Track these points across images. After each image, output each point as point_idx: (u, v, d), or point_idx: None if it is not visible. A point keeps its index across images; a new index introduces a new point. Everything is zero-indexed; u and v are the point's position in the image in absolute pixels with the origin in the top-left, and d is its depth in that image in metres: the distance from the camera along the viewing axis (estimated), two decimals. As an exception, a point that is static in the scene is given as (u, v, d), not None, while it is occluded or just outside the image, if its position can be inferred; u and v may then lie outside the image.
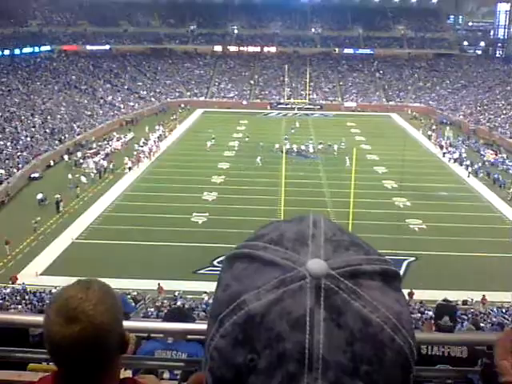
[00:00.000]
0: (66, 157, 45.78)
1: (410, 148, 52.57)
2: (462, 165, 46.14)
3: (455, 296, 23.87)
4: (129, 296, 24.15)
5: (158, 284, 25.11)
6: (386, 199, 37.64)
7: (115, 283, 25.03)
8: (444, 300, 17.33)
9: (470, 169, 44.16)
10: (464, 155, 48.35)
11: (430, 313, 19.84)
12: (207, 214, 34.44)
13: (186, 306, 22.26)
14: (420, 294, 24.21)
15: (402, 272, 27.29)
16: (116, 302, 1.38)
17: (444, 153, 50.26)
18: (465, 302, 23.28)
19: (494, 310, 21.89)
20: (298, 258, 0.72)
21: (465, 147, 51.99)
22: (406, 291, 24.40)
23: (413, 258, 28.61)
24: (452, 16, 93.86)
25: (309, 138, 53.64)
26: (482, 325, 19.07)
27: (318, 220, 0.78)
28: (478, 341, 2.53)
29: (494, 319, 20.33)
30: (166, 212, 34.35)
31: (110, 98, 68.09)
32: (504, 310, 21.79)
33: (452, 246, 29.80)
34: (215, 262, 28.01)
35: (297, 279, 0.69)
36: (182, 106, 71.67)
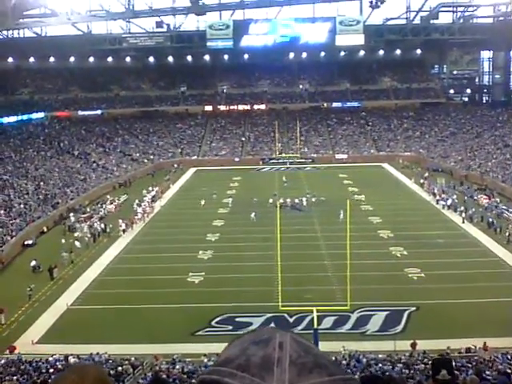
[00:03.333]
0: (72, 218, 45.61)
1: (404, 197, 52.96)
2: (456, 211, 46.21)
3: (458, 344, 23.51)
4: (126, 362, 23.63)
5: (154, 356, 24.43)
6: (383, 249, 37.45)
7: (112, 349, 24.66)
8: (439, 354, 17.05)
9: (464, 214, 44.18)
10: (457, 201, 48.49)
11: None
12: (203, 273, 34.08)
13: (186, 370, 21.73)
14: (423, 344, 23.73)
15: (403, 323, 26.93)
16: None
17: (437, 200, 50.41)
18: (468, 350, 22.81)
19: (499, 356, 21.39)
20: None
21: (458, 193, 52.22)
22: (408, 342, 24.01)
23: (413, 308, 28.21)
24: (436, 66, 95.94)
25: (302, 192, 53.74)
26: (487, 372, 18.64)
27: (283, 341, 0.79)
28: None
29: (500, 366, 19.84)
30: (161, 273, 34.03)
31: (102, 161, 68.52)
32: (509, 357, 21.30)
33: (452, 293, 29.45)
34: (213, 323, 27.58)
35: None
36: (175, 165, 72.21)
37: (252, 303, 29.09)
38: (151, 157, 75.51)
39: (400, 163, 69.92)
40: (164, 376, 21.44)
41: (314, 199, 51.05)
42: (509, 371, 18.31)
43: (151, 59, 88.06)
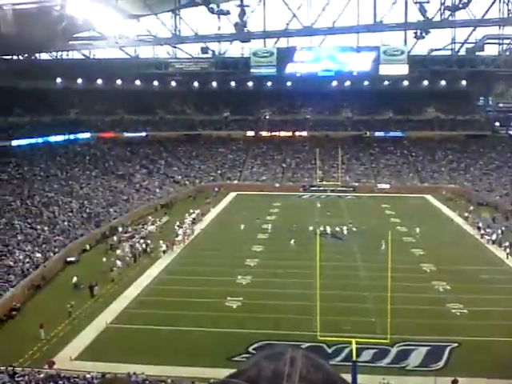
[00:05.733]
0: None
1: (447, 229, 51.88)
2: (500, 246, 45.06)
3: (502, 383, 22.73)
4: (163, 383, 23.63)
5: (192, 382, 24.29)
6: (425, 283, 36.66)
7: (149, 370, 24.71)
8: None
9: (508, 250, 43.04)
10: (502, 236, 47.28)
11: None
12: (241, 298, 33.98)
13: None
14: (464, 382, 23.02)
15: (444, 359, 26.19)
16: None
17: (482, 234, 49.27)
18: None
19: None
20: None
21: (503, 228, 50.90)
22: (449, 379, 23.32)
23: (455, 344, 27.44)
24: (482, 98, 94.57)
25: (343, 220, 53.27)
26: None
27: (295, 357, 0.81)
28: None
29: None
30: (199, 296, 34.05)
31: (145, 182, 69.55)
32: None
33: (495, 330, 28.56)
34: (250, 349, 27.35)
35: None
36: (216, 189, 72.73)
37: (290, 331, 28.79)
38: (193, 180, 76.28)
39: (444, 195, 68.75)
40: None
41: (354, 228, 50.55)
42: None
43: (196, 84, 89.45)
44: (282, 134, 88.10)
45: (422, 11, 58.86)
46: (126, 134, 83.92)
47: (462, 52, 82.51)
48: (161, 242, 44.62)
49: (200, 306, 32.45)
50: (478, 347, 26.89)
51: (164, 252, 43.54)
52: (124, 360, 25.83)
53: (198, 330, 29.44)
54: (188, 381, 24.65)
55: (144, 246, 44.60)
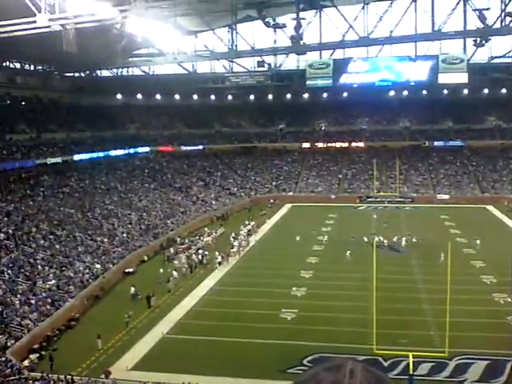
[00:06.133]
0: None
1: (509, 241, 50.14)
2: None
3: None
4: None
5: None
6: (486, 295, 35.52)
7: (202, 380, 24.85)
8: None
9: None
10: None
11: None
12: (296, 310, 33.84)
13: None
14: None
15: (506, 373, 25.27)
16: None
17: (546, 246, 47.34)
18: None
19: None
20: None
21: None
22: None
23: (518, 360, 26.43)
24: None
25: (400, 232, 52.30)
26: None
27: (355, 369, 0.82)
28: None
29: None
30: (254, 308, 34.15)
31: (202, 194, 70.49)
32: None
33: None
34: (305, 361, 27.15)
35: None
36: (271, 201, 72.89)
37: (345, 344, 28.40)
38: (248, 191, 76.75)
39: (506, 206, 66.51)
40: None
41: (414, 240, 49.54)
42: None
43: (251, 97, 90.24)
44: (338, 144, 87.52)
45: (482, 18, 57.38)
46: (184, 148, 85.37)
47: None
48: (216, 253, 45.06)
49: (254, 318, 32.54)
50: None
51: (219, 263, 43.91)
52: (179, 371, 26.11)
53: (253, 342, 29.47)
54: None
55: (200, 257, 45.12)
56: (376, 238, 46.81)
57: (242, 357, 27.67)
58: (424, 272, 40.26)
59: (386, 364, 26.22)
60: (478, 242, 48.26)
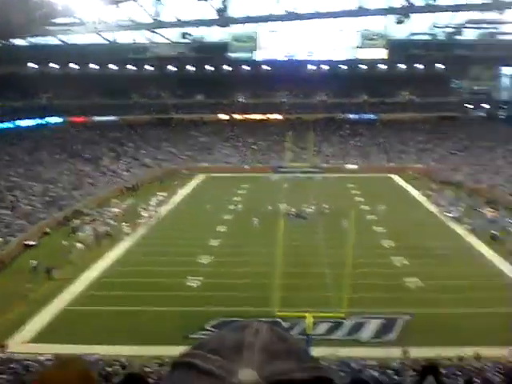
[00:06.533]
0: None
1: (410, 207, 52.53)
2: (461, 223, 45.77)
3: (450, 353, 23.17)
4: (117, 363, 23.58)
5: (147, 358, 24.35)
6: (384, 258, 37.13)
7: (105, 350, 24.62)
8: (427, 360, 16.80)
9: (469, 227, 43.74)
10: (463, 213, 48.01)
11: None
12: (202, 278, 34.05)
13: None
14: (416, 352, 23.40)
15: (397, 330, 26.69)
16: None
17: (444, 212, 49.97)
18: (460, 358, 22.48)
19: (490, 365, 21.04)
20: (231, 368, 0.76)
21: (464, 205, 51.69)
22: (400, 349, 23.73)
23: (408, 316, 27.92)
24: (456, 80, 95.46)
25: (308, 201, 53.53)
26: (476, 380, 18.37)
27: (259, 328, 0.82)
28: None
29: (489, 374, 19.52)
30: (161, 276, 34.01)
31: (113, 166, 69.01)
32: (500, 366, 20.96)
33: (449, 302, 29.13)
34: (207, 327, 27.47)
35: None
36: (184, 171, 72.44)
37: (248, 308, 28.93)
38: (162, 163, 75.87)
39: (409, 175, 69.45)
40: (155, 378, 21.42)
41: (321, 208, 50.78)
42: (498, 380, 18.07)
43: (172, 68, 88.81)
44: (256, 117, 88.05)
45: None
46: (97, 118, 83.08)
47: (441, 36, 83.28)
48: (124, 224, 44.42)
49: (160, 286, 32.41)
50: (431, 319, 27.37)
51: (127, 234, 43.36)
52: (80, 342, 25.70)
53: (157, 310, 29.43)
54: (143, 359, 24.70)
55: (107, 228, 44.34)
56: (285, 206, 47.75)
57: (145, 325, 27.58)
58: (328, 238, 41.46)
59: (285, 325, 26.97)
60: (381, 208, 50.19)
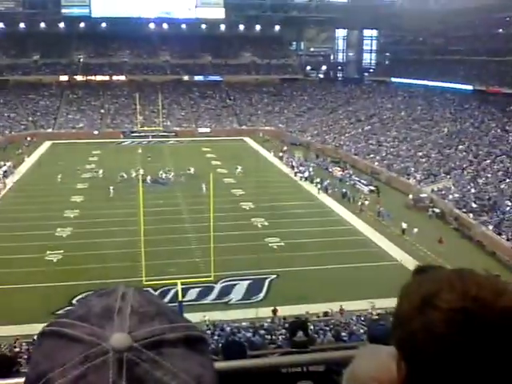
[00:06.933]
0: None
1: (264, 169, 54.37)
2: (312, 182, 48.43)
3: (316, 309, 24.90)
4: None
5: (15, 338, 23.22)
6: (245, 220, 38.34)
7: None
8: (296, 317, 18.03)
9: (319, 186, 46.46)
10: (313, 173, 50.78)
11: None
12: (62, 251, 32.80)
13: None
14: (284, 310, 24.81)
15: (264, 290, 28.00)
16: None
17: (295, 172, 52.52)
18: (326, 314, 24.25)
19: (353, 318, 23.00)
20: (102, 333, 0.75)
21: (314, 166, 54.63)
22: (269, 309, 25.01)
23: (274, 276, 29.35)
24: (294, 43, 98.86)
25: (165, 166, 53.21)
26: (343, 334, 20.01)
27: (126, 292, 0.82)
28: (335, 359, 2.56)
29: (354, 327, 21.36)
30: (16, 253, 32.14)
31: None
32: (362, 319, 22.99)
33: (310, 260, 30.98)
34: (74, 301, 26.71)
35: (100, 354, 0.73)
36: (28, 139, 68.03)
37: (115, 279, 28.45)
38: (2, 130, 70.51)
39: (261, 137, 71.57)
40: (25, 357, 20.54)
41: (176, 173, 50.74)
42: (362, 331, 19.79)
43: (1, 25, 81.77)
44: (99, 78, 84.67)
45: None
46: None
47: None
48: (-32, 198, 41.16)
49: (17, 263, 30.71)
50: (295, 277, 28.97)
51: (-28, 209, 40.22)
52: None
53: (18, 287, 27.97)
54: (10, 339, 23.53)
55: None
56: (141, 172, 47.08)
57: (8, 304, 26.11)
58: (188, 203, 41.76)
59: (156, 293, 27.05)
60: (240, 168, 51.51)
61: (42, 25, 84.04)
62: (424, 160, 52.23)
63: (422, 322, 0.80)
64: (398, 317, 0.87)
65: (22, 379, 0.89)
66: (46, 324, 0.84)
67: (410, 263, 30.18)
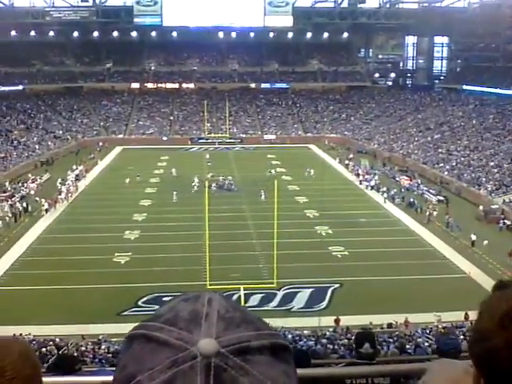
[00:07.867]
0: None
1: (329, 177, 53.92)
2: (378, 191, 47.71)
3: (380, 320, 24.44)
4: (51, 343, 23.08)
5: (82, 336, 23.97)
6: (309, 228, 38.17)
7: (36, 330, 24.00)
8: (362, 328, 17.77)
9: (386, 195, 45.71)
10: (380, 182, 50.01)
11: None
12: (130, 253, 33.68)
13: (111, 350, 21.46)
14: (346, 320, 24.52)
15: (327, 299, 27.76)
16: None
17: (361, 180, 51.87)
18: (389, 326, 23.78)
19: (419, 331, 22.43)
20: (190, 338, 0.76)
21: (380, 174, 53.81)
22: (332, 318, 24.77)
23: (337, 285, 29.05)
24: (362, 50, 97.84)
25: (231, 172, 53.76)
26: (407, 346, 19.52)
27: (212, 298, 0.83)
28: (401, 371, 2.53)
29: (419, 340, 20.82)
30: (86, 254, 33.29)
31: (24, 139, 65.91)
32: (428, 331, 22.39)
33: (374, 270, 30.49)
34: (140, 303, 27.37)
35: (188, 359, 0.74)
36: (100, 144, 70.43)
37: (180, 282, 28.95)
38: (75, 134, 73.29)
39: (326, 145, 71.15)
40: (90, 356, 21.18)
41: (242, 180, 51.14)
42: (427, 344, 19.26)
43: (75, 34, 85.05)
44: (169, 85, 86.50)
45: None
46: (1, 88, 78.56)
47: (345, 4, 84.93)
48: (43, 200, 42.83)
49: (87, 264, 31.77)
50: (358, 287, 28.58)
51: (46, 211, 41.86)
52: (10, 323, 24.84)
53: (86, 288, 28.85)
54: (78, 337, 24.30)
55: (25, 205, 42.62)
56: (208, 178, 47.68)
57: (75, 304, 27.01)
58: (252, 209, 41.98)
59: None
60: (312, 172, 52.13)
61: (115, 34, 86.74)
62: (496, 170, 50.50)
63: (505, 339, 0.77)
64: (477, 332, 0.84)
65: (83, 378, 0.94)
66: (133, 327, 0.85)
67: (479, 276, 29.26)
